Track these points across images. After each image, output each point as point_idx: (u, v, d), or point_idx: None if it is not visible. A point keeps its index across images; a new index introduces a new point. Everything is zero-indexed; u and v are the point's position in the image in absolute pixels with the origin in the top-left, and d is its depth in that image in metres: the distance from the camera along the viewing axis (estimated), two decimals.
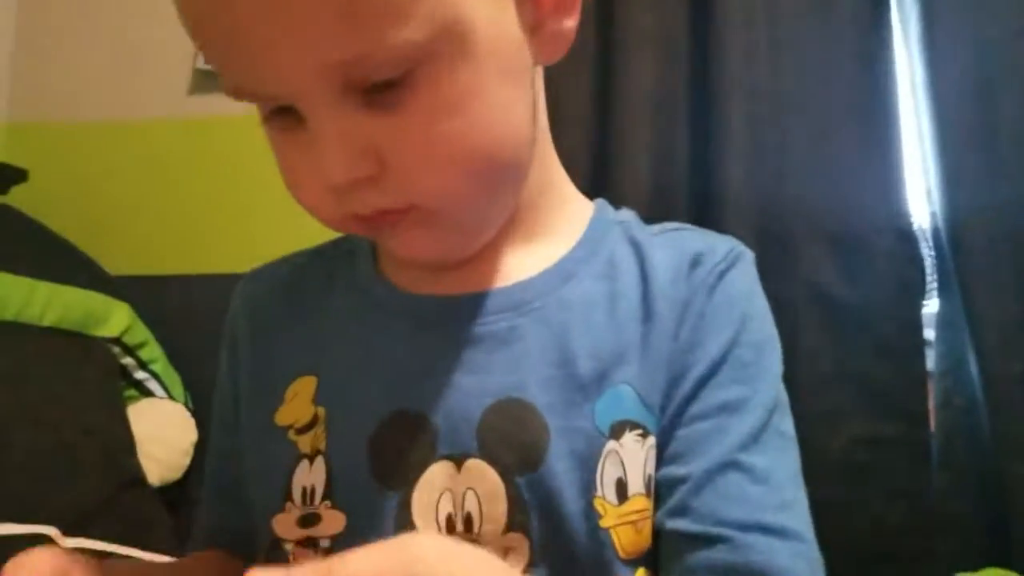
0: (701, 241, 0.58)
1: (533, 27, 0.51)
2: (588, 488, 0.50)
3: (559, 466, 0.50)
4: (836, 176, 1.31)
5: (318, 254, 0.65)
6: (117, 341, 1.34)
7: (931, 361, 1.30)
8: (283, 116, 0.47)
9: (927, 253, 1.32)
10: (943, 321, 1.31)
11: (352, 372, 0.54)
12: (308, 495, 0.52)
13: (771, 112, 1.33)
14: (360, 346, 0.56)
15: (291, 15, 0.41)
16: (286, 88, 0.45)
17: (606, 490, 0.50)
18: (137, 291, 1.47)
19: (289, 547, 0.53)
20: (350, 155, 0.46)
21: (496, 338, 0.53)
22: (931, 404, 1.29)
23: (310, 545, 0.52)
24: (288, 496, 0.53)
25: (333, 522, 0.51)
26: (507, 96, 0.49)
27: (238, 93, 0.47)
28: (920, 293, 1.31)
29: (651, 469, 0.51)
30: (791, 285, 1.29)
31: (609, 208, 0.61)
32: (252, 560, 0.56)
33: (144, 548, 0.95)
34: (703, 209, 1.34)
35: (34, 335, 1.16)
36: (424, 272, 0.57)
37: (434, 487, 0.50)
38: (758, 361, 0.54)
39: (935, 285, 1.32)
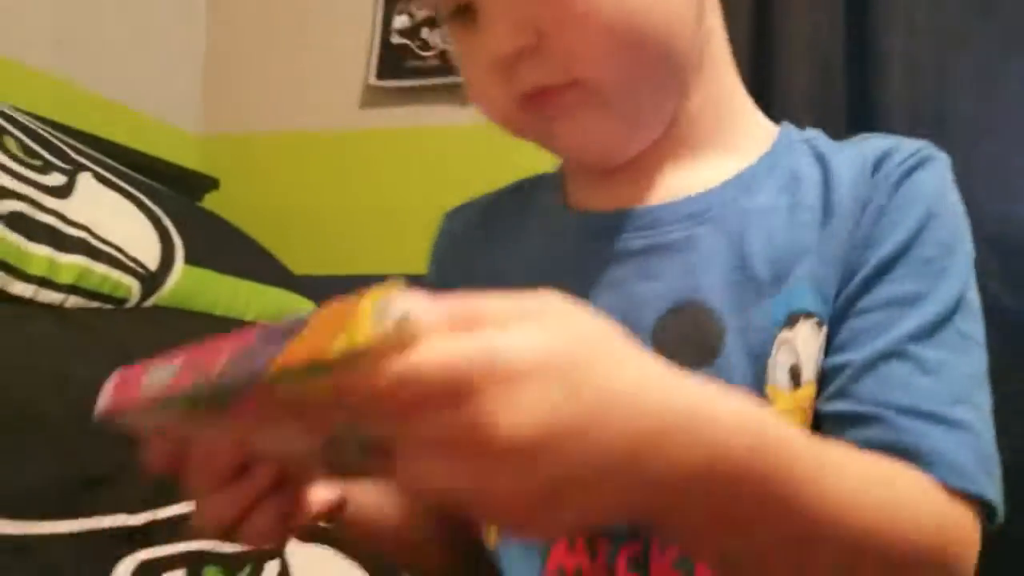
0: (888, 141, 0.56)
1: None
2: (760, 377, 0.51)
3: (733, 359, 0.51)
4: (1002, 181, 1.30)
5: (516, 189, 0.69)
6: None
7: None
8: (460, 17, 0.54)
9: None
10: None
11: (535, 284, 0.58)
12: None
13: (934, 120, 1.33)
14: (543, 260, 0.60)
15: None
16: None
17: (779, 377, 0.50)
18: (315, 289, 1.60)
19: None
20: (512, 26, 0.50)
21: (673, 246, 0.55)
22: None
23: None
24: None
25: None
26: None
27: None
28: None
29: (823, 357, 0.51)
30: None
31: (794, 128, 0.61)
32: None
33: None
34: None
35: (240, 328, 1.29)
36: (599, 188, 0.59)
37: None
38: (943, 260, 0.51)
39: None
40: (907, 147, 0.55)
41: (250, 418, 0.37)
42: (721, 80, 0.59)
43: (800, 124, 0.61)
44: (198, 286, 1.24)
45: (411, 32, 1.79)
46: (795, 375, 0.50)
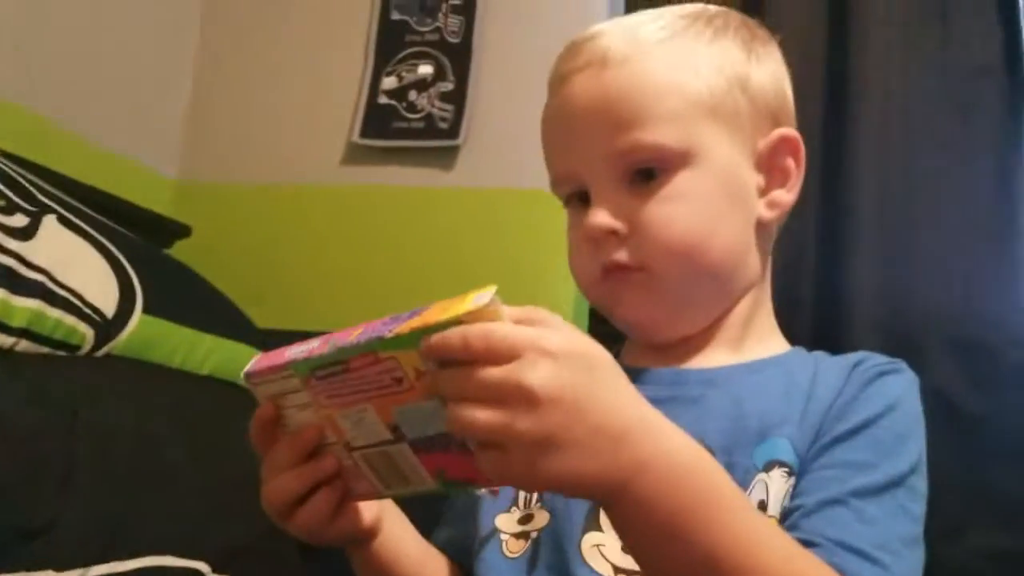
0: (869, 354, 0.70)
1: (762, 189, 0.72)
2: None
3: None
4: (967, 285, 1.31)
5: None
6: None
7: None
8: (578, 202, 0.72)
9: None
10: None
11: None
12: (527, 499, 0.70)
13: (902, 219, 1.34)
14: None
15: (596, 125, 0.68)
16: (583, 166, 0.70)
17: None
18: (280, 343, 1.56)
19: (504, 537, 0.69)
20: (610, 213, 0.68)
21: (690, 399, 0.69)
22: None
23: (522, 536, 0.68)
24: (515, 501, 0.71)
25: (540, 518, 0.68)
26: (723, 211, 0.70)
27: (554, 181, 0.74)
28: None
29: (787, 503, 0.62)
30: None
31: (803, 350, 0.76)
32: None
33: None
34: (831, 314, 1.35)
35: (195, 381, 1.26)
36: (647, 355, 0.74)
37: None
38: (893, 445, 0.63)
39: None
40: (883, 358, 0.69)
41: (352, 387, 0.51)
42: (759, 305, 0.75)
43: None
44: (155, 336, 1.21)
45: (399, 93, 1.79)
46: (762, 508, 0.61)
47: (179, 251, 1.72)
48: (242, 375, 0.57)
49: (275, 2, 1.95)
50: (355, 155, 1.82)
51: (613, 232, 0.68)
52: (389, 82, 1.80)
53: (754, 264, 0.73)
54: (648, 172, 0.68)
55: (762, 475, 0.62)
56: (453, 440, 0.49)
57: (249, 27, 1.96)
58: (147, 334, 1.19)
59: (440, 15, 1.80)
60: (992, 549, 1.24)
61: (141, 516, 0.95)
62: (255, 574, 0.99)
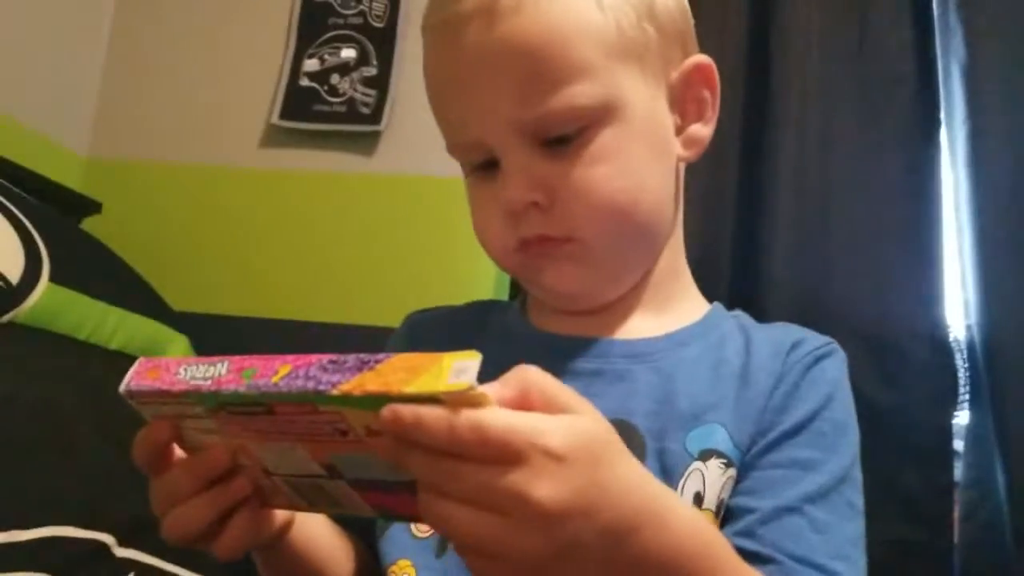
0: (802, 332, 0.70)
1: (678, 127, 0.67)
2: None
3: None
4: (878, 282, 1.35)
5: (472, 307, 0.79)
6: None
7: (959, 472, 1.32)
8: (483, 170, 0.65)
9: (961, 365, 1.35)
10: (973, 434, 1.33)
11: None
12: None
13: (817, 217, 1.38)
14: (497, 368, 0.65)
15: (498, 89, 0.60)
16: (491, 135, 0.62)
17: (684, 498, 0.60)
18: (193, 327, 1.53)
19: (414, 528, 0.64)
20: (528, 184, 0.62)
21: (615, 374, 0.65)
22: (956, 515, 1.31)
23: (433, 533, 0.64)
24: None
25: None
26: (649, 163, 0.64)
27: (455, 147, 0.66)
28: (952, 403, 1.33)
29: (725, 495, 0.61)
30: None
31: (723, 307, 0.74)
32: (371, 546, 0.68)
33: (190, 565, 0.99)
34: (745, 304, 1.38)
35: (102, 354, 1.22)
36: (563, 319, 0.69)
37: None
38: (835, 436, 0.63)
39: (967, 397, 1.35)
40: (817, 339, 0.69)
41: (277, 429, 0.44)
42: (676, 257, 0.73)
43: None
44: (62, 307, 1.16)
45: (320, 76, 1.77)
46: (698, 500, 0.60)
47: (89, 229, 1.66)
48: (121, 390, 0.48)
49: None
50: (274, 137, 1.79)
51: (533, 205, 0.62)
52: (311, 64, 1.78)
53: (673, 211, 0.70)
54: (564, 136, 0.61)
55: (698, 464, 0.61)
56: (404, 484, 0.44)
57: (167, 1, 1.91)
58: (53, 304, 1.14)
59: None
60: (894, 539, 1.28)
61: (42, 486, 0.92)
62: (162, 547, 0.96)
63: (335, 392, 0.39)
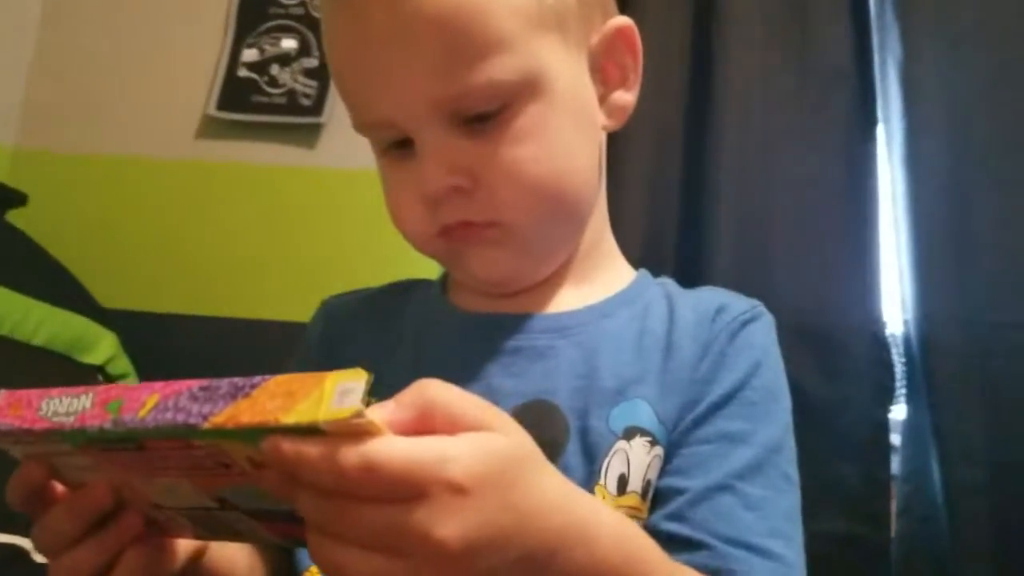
0: (727, 296, 0.66)
1: (601, 95, 0.63)
2: (592, 476, 0.57)
3: (572, 460, 0.57)
4: (817, 277, 1.36)
5: (390, 288, 0.74)
6: (100, 369, 1.34)
7: (896, 466, 1.33)
8: (396, 149, 0.60)
9: (898, 359, 1.36)
10: (909, 428, 1.35)
11: (405, 370, 0.58)
12: None
13: (758, 210, 1.39)
14: (416, 350, 0.65)
15: (410, 64, 0.55)
16: (404, 115, 0.57)
17: (608, 481, 0.57)
18: (123, 324, 1.48)
19: None
20: (447, 168, 0.57)
21: (536, 351, 0.62)
22: (894, 508, 1.32)
23: None
24: None
25: None
26: (575, 139, 0.61)
27: (364, 126, 0.60)
28: (889, 398, 1.35)
29: (652, 475, 0.58)
30: None
31: (649, 274, 0.71)
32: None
33: None
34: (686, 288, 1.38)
35: (24, 351, 1.17)
36: (484, 298, 0.65)
37: None
38: (765, 404, 0.60)
39: (904, 391, 1.36)
40: (742, 303, 0.65)
41: (154, 465, 0.40)
42: (601, 227, 0.68)
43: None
44: None
45: (260, 67, 1.73)
46: (622, 483, 0.57)
47: (14, 221, 1.60)
48: None
49: None
50: (210, 129, 1.74)
51: (454, 189, 0.57)
52: (250, 54, 1.74)
53: (597, 183, 0.66)
54: (485, 115, 0.57)
55: (622, 443, 0.57)
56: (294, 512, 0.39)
57: None
58: None
59: None
60: (833, 533, 1.28)
61: None
62: None
63: (206, 426, 0.35)
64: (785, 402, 0.62)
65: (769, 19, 1.43)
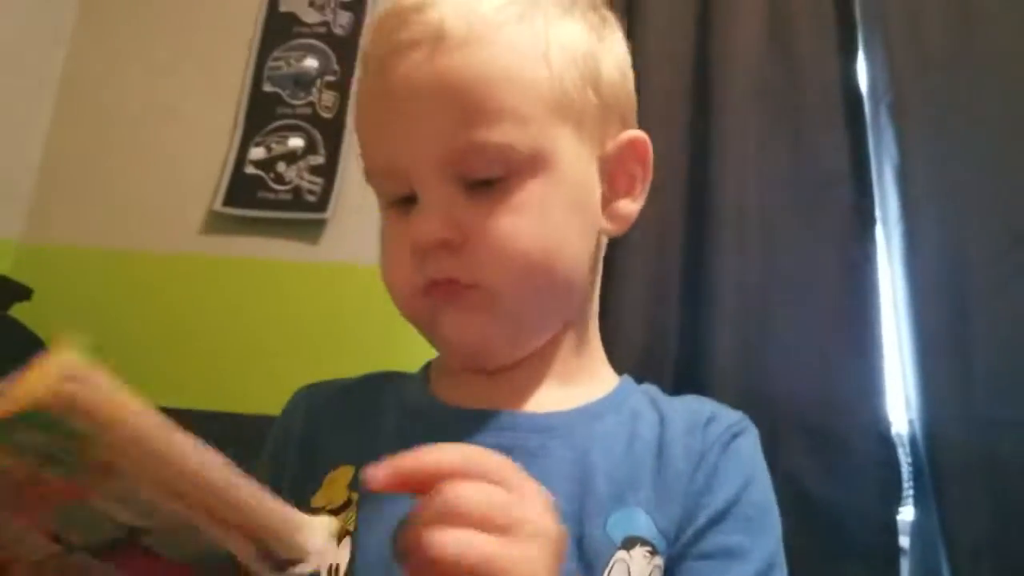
0: (714, 405, 0.67)
1: (606, 199, 0.65)
2: None
3: (569, 567, 0.54)
4: (820, 376, 1.36)
5: (369, 379, 0.74)
6: None
7: (906, 570, 1.30)
8: (400, 205, 0.62)
9: (904, 459, 1.35)
10: (918, 529, 1.32)
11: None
12: (333, 570, 0.58)
13: (759, 310, 1.39)
14: (400, 444, 0.60)
15: (431, 117, 0.58)
16: (413, 163, 0.59)
17: None
18: None
19: None
20: (442, 221, 0.59)
21: (528, 451, 0.60)
22: None
23: None
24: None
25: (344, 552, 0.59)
26: (571, 224, 0.62)
27: (373, 173, 0.63)
28: (897, 499, 1.33)
29: None
30: (771, 475, 1.30)
31: (632, 380, 0.71)
32: None
33: None
34: (689, 389, 1.37)
35: None
36: (467, 390, 0.65)
37: None
38: (760, 519, 0.61)
39: (911, 492, 1.35)
40: (732, 414, 0.66)
41: None
42: (590, 326, 0.69)
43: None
44: None
45: (266, 164, 1.77)
46: None
47: (19, 315, 1.61)
48: None
49: (141, 63, 1.91)
50: (216, 224, 1.77)
51: (444, 243, 0.59)
52: (257, 152, 1.78)
53: (589, 281, 0.67)
54: (488, 180, 0.59)
55: (622, 553, 0.56)
56: (138, 541, 0.37)
57: (111, 85, 1.90)
58: None
59: (315, 90, 1.80)
60: None
61: None
62: None
63: None
64: (775, 516, 0.63)
65: (765, 121, 1.47)
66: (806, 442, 1.33)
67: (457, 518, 0.40)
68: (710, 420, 0.64)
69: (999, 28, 1.40)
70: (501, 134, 0.58)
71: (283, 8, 1.87)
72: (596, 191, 0.64)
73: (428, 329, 0.64)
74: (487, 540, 0.40)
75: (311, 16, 1.85)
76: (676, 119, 1.49)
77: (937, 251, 1.34)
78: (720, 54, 1.48)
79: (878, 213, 1.42)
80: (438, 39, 0.58)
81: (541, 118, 0.59)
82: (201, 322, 1.71)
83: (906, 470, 1.34)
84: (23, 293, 1.63)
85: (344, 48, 1.82)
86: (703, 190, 1.45)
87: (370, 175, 0.64)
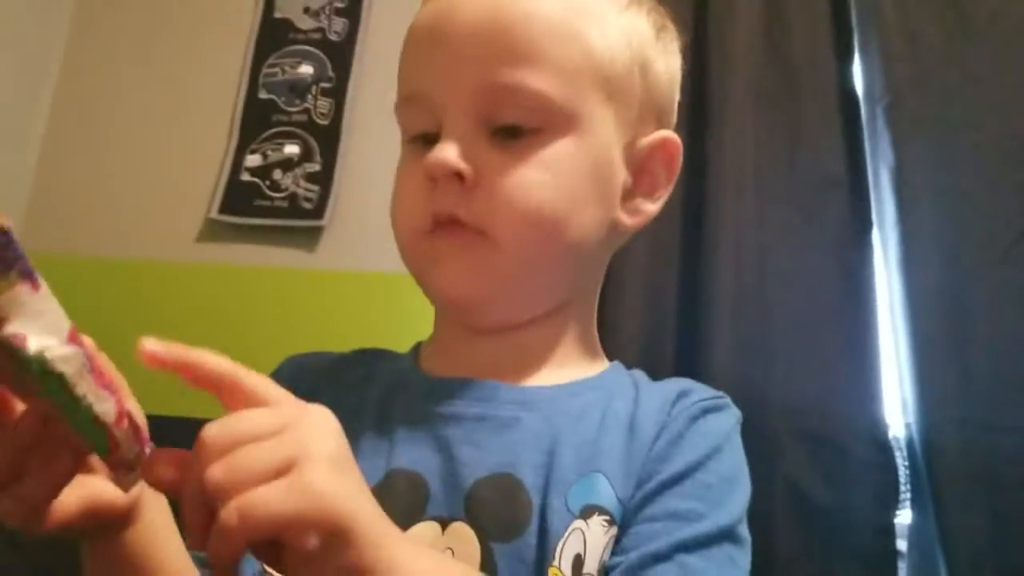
0: (692, 384, 0.65)
1: (628, 191, 0.64)
2: (546, 557, 0.54)
3: (531, 539, 0.55)
4: (817, 382, 1.36)
5: (359, 353, 0.73)
6: None
7: (904, 572, 1.31)
8: (421, 143, 0.61)
9: (901, 463, 1.35)
10: (915, 533, 1.33)
11: (368, 433, 0.60)
12: None
13: (756, 316, 1.39)
14: (382, 414, 0.63)
15: (476, 47, 0.58)
16: (446, 92, 0.59)
17: (563, 562, 0.54)
18: None
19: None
20: (459, 153, 0.58)
21: (500, 422, 0.60)
22: None
23: None
24: None
25: None
26: (588, 194, 0.61)
27: (404, 100, 0.62)
28: (894, 503, 1.33)
29: (607, 557, 0.55)
30: (770, 479, 1.30)
31: (623, 366, 0.70)
32: None
33: None
34: None
35: None
36: (454, 364, 0.65)
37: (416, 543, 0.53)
38: (721, 490, 0.57)
39: (908, 496, 1.35)
40: (707, 391, 0.64)
41: None
42: (589, 314, 0.69)
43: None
44: None
45: (262, 171, 1.76)
46: (578, 564, 0.54)
47: None
48: None
49: (136, 71, 1.91)
50: (212, 232, 1.77)
51: (458, 175, 0.57)
52: (253, 160, 1.77)
53: (595, 268, 0.67)
54: (516, 129, 0.59)
55: (579, 522, 0.55)
56: None
57: (106, 94, 1.90)
58: None
59: (310, 97, 1.80)
60: None
61: None
62: None
63: None
64: (742, 494, 0.59)
65: (762, 126, 1.47)
66: (804, 447, 1.33)
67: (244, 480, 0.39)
68: (681, 394, 0.62)
69: (994, 32, 1.41)
70: (540, 80, 0.58)
71: (278, 14, 1.87)
72: (619, 175, 0.64)
73: (425, 275, 0.63)
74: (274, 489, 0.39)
75: (306, 22, 1.85)
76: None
77: (934, 255, 1.35)
78: (717, 60, 1.49)
79: (874, 217, 1.42)
80: None
81: (582, 80, 0.59)
82: (199, 330, 1.71)
83: (903, 474, 1.34)
84: None
85: (339, 54, 1.82)
86: (700, 196, 1.45)
87: (401, 104, 0.63)
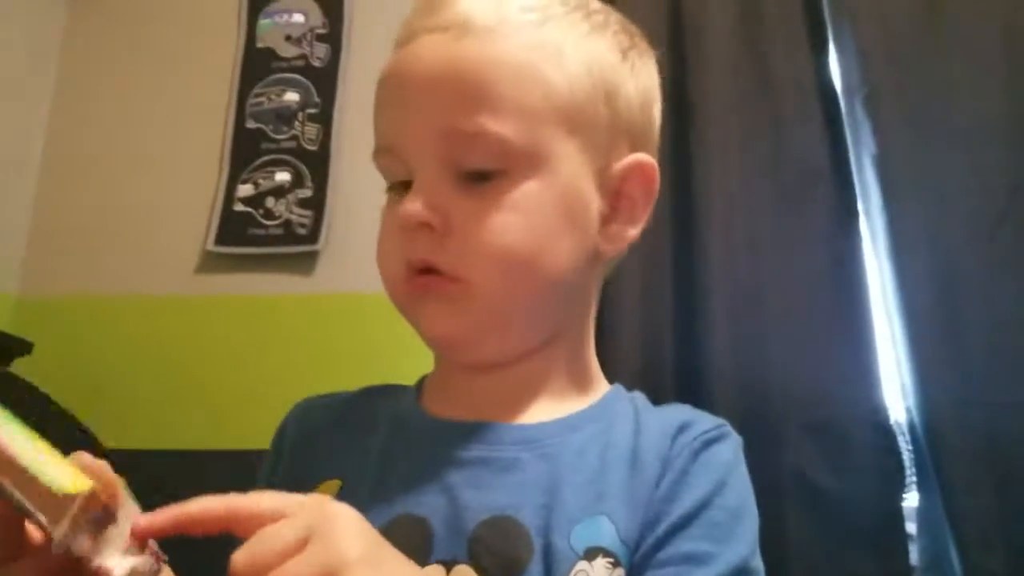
0: (692, 413, 0.65)
1: (605, 217, 0.64)
2: None
3: None
4: (815, 371, 1.37)
5: (366, 393, 0.73)
6: None
7: (915, 555, 1.32)
8: (400, 191, 0.62)
9: (905, 446, 1.36)
10: (923, 515, 1.34)
11: (373, 478, 0.61)
12: None
13: (751, 310, 1.40)
14: (386, 458, 0.63)
15: (439, 98, 0.59)
16: (413, 143, 0.60)
17: None
18: (129, 464, 1.47)
19: None
20: (427, 203, 0.59)
21: (502, 464, 0.60)
22: None
23: None
24: None
25: None
26: (559, 231, 0.61)
27: (379, 151, 0.64)
28: (900, 486, 1.34)
29: None
30: (777, 470, 1.31)
31: (623, 389, 0.69)
32: None
33: None
34: (691, 399, 1.38)
35: None
36: (457, 403, 0.65)
37: None
38: (730, 525, 0.58)
39: (914, 478, 1.36)
40: (707, 421, 0.63)
41: None
42: (584, 342, 0.68)
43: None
44: None
45: (255, 200, 1.78)
46: None
47: (21, 368, 1.62)
48: None
49: (124, 111, 1.93)
50: (210, 264, 1.78)
51: (427, 225, 0.58)
52: (245, 189, 1.79)
53: (582, 297, 0.67)
54: (483, 173, 0.59)
55: (583, 564, 0.55)
56: None
57: (95, 136, 1.92)
58: None
59: (297, 124, 1.82)
60: None
61: None
62: None
63: None
64: (751, 523, 0.60)
65: (744, 123, 1.48)
66: (808, 436, 1.34)
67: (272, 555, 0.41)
68: (682, 427, 0.62)
69: (965, 14, 1.43)
70: (499, 124, 0.58)
71: (260, 44, 1.89)
72: (593, 204, 0.63)
73: (410, 317, 0.64)
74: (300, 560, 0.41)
75: (288, 50, 1.87)
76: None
77: (922, 237, 1.36)
78: (695, 60, 1.50)
79: (860, 205, 1.43)
80: (462, 28, 0.60)
81: (542, 118, 0.60)
82: (201, 361, 1.72)
83: (907, 457, 1.35)
84: (24, 348, 1.64)
85: (323, 80, 1.84)
86: (687, 195, 1.47)
87: (376, 154, 0.64)
